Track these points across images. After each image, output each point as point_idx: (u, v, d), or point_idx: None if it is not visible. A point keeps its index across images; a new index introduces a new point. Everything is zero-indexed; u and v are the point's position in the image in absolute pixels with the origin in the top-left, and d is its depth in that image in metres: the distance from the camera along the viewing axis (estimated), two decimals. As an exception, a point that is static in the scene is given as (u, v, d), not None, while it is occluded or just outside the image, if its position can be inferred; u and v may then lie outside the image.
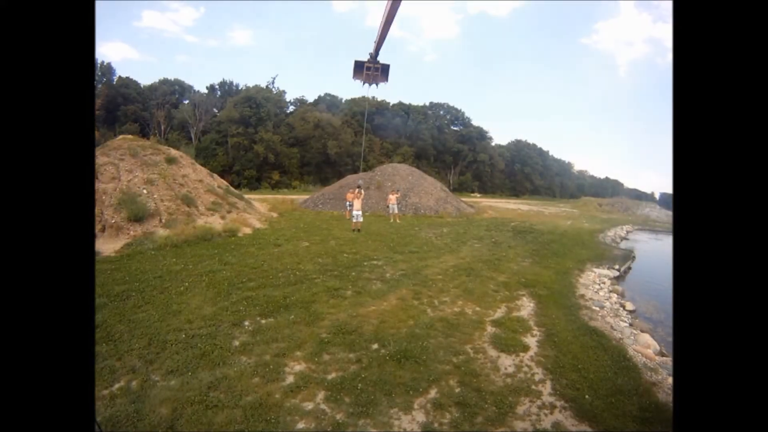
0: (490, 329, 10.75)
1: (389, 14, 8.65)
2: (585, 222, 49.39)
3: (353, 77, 11.19)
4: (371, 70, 11.07)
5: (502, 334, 10.45)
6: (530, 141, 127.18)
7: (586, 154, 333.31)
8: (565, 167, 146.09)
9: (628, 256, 28.18)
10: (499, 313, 12.17)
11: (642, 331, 13.82)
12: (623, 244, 38.29)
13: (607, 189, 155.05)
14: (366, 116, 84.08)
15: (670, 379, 10.05)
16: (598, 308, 14.61)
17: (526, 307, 13.06)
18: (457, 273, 16.24)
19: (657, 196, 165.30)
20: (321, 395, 6.98)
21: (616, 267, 23.54)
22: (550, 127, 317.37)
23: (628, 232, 50.05)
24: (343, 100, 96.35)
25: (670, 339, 14.53)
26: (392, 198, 30.28)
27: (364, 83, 11.39)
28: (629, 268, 25.94)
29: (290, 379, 7.33)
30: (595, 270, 21.43)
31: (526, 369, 8.85)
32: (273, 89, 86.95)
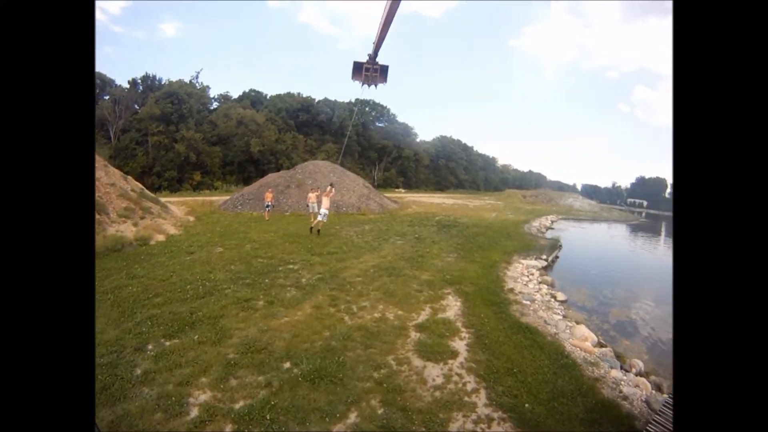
0: (414, 335, 9.88)
1: (388, 15, 8.43)
2: (510, 213, 49.53)
3: (352, 78, 11.06)
4: (370, 71, 10.91)
5: (427, 339, 9.65)
6: (455, 137, 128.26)
7: (511, 149, 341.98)
8: (489, 162, 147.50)
9: (555, 245, 28.15)
10: (424, 315, 11.32)
11: (577, 323, 13.38)
12: (549, 234, 38.40)
13: (531, 181, 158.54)
14: (291, 113, 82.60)
15: (613, 372, 9.87)
16: (528, 302, 14.05)
17: (453, 307, 12.24)
18: (377, 273, 15.24)
19: (579, 187, 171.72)
20: (228, 429, 6.21)
21: (544, 257, 23.29)
22: (476, 124, 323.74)
23: (553, 221, 50.79)
24: (267, 96, 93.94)
25: (606, 327, 14.72)
26: (312, 196, 29.03)
27: (362, 84, 11.17)
28: (557, 257, 25.90)
29: (194, 413, 6.51)
30: (523, 261, 20.92)
31: (456, 378, 8.11)
32: (197, 84, 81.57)
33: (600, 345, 12.29)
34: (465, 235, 26.59)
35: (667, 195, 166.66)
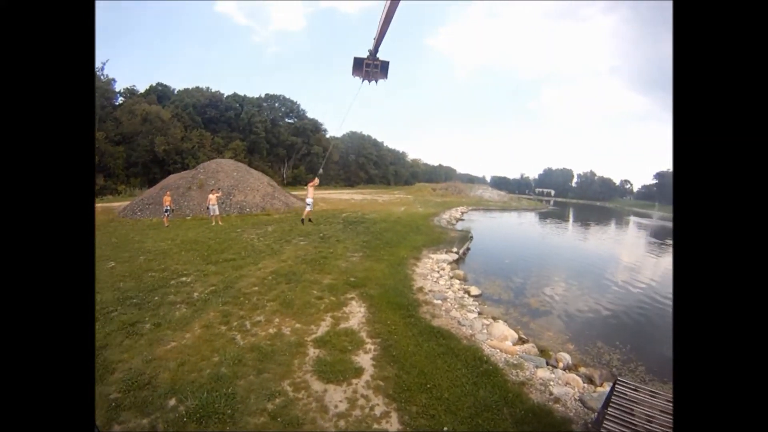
0: (312, 352, 8.88)
1: (389, 10, 8.01)
2: (419, 207, 49.43)
3: (353, 74, 10.73)
4: (371, 67, 10.53)
5: (327, 356, 8.67)
6: (366, 133, 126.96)
7: (422, 144, 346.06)
8: (399, 156, 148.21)
9: (466, 236, 27.92)
10: (324, 327, 10.30)
11: (494, 319, 12.82)
12: (460, 225, 38.40)
13: (441, 175, 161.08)
14: (198, 108, 77.94)
15: (540, 372, 9.37)
16: (440, 301, 13.26)
17: (356, 314, 11.26)
18: (276, 281, 14.05)
19: (489, 179, 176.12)
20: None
21: (455, 250, 22.77)
22: (389, 119, 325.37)
23: (463, 213, 51.33)
24: (175, 91, 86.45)
25: (525, 320, 14.38)
26: (212, 198, 27.50)
27: (363, 80, 10.82)
28: (468, 249, 25.63)
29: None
30: (433, 256, 20.31)
31: (362, 402, 7.25)
32: (101, 77, 75.04)
33: (521, 341, 11.69)
34: (372, 232, 25.81)
35: (573, 184, 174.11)
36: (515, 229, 46.64)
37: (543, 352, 11.17)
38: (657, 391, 6.85)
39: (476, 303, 14.31)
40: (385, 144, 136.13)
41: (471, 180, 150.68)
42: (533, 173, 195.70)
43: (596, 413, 7.74)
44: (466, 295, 15.02)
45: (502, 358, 9.55)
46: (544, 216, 71.25)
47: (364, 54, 9.95)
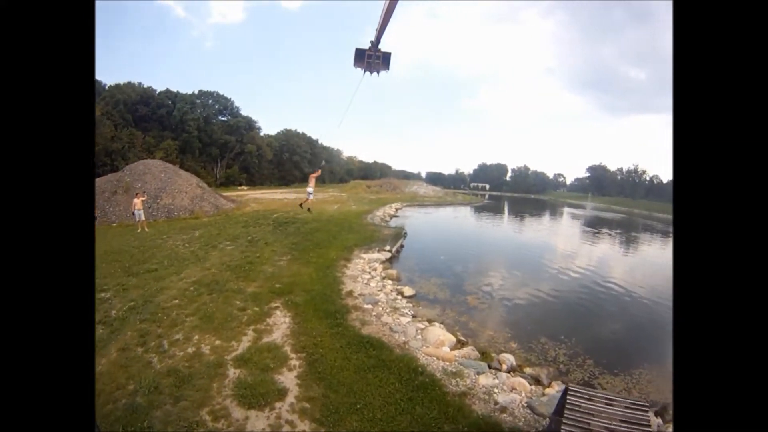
0: (233, 373, 8.16)
1: (391, 1, 7.93)
2: (353, 204, 48.49)
3: (354, 65, 10.58)
4: (372, 58, 10.42)
5: (248, 377, 7.97)
6: (300, 130, 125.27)
7: (357, 141, 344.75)
8: (333, 154, 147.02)
9: (400, 233, 27.39)
10: (245, 343, 9.55)
11: (430, 322, 12.17)
12: (394, 222, 37.92)
13: (376, 172, 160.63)
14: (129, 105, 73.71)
15: (482, 379, 8.84)
16: (370, 305, 12.52)
17: (280, 326, 10.54)
18: (197, 292, 13.19)
19: (424, 175, 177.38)
20: None
21: (387, 248, 22.21)
22: (322, 117, 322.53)
23: (397, 209, 51.03)
24: (106, 86, 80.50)
25: (463, 319, 13.85)
26: (137, 202, 26.38)
27: (365, 72, 10.68)
28: (402, 246, 25.16)
29: None
30: (364, 256, 19.53)
31: (286, 428, 6.69)
32: None
33: (460, 344, 11.17)
34: (302, 232, 24.90)
35: (508, 178, 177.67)
36: (451, 224, 46.58)
37: (484, 354, 10.63)
38: (612, 396, 6.59)
39: (410, 305, 13.72)
40: (320, 142, 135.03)
41: (407, 176, 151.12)
42: (468, 168, 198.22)
43: (547, 419, 7.40)
44: (399, 297, 14.35)
45: (439, 366, 8.99)
46: (479, 209, 71.52)
47: (365, 47, 9.84)
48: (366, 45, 9.74)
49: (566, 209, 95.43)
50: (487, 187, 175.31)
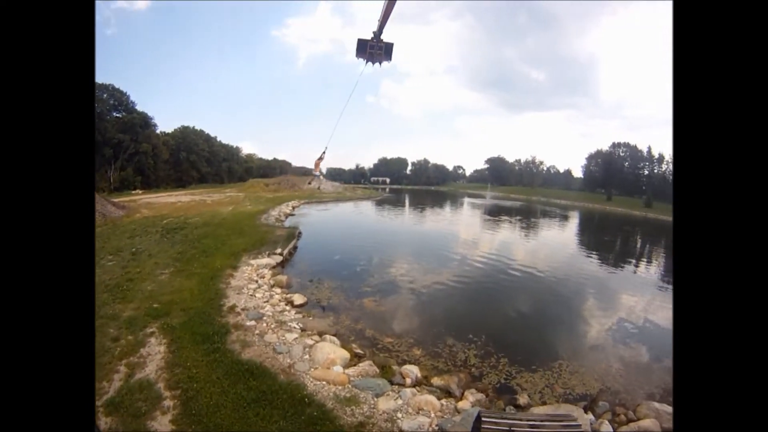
0: (103, 424, 6.91)
1: None
2: (249, 205, 46.53)
3: (356, 56, 10.39)
4: (375, 49, 10.28)
5: (120, 425, 6.87)
6: (198, 127, 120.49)
7: (256, 138, 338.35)
8: (232, 152, 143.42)
9: (293, 234, 26.19)
10: (117, 382, 8.16)
11: (320, 336, 10.88)
12: (289, 221, 36.70)
13: (276, 169, 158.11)
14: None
15: (382, 402, 7.88)
16: (254, 322, 11.32)
17: (154, 357, 9.14)
18: (66, 323, 11.36)
19: (324, 170, 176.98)
20: None
21: (279, 251, 20.73)
22: (221, 112, 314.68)
23: (294, 207, 49.87)
24: None
25: (359, 327, 12.47)
26: None
27: (366, 62, 10.48)
28: (295, 247, 23.79)
29: None
30: (253, 262, 18.16)
31: None
32: None
33: (357, 357, 10.04)
34: (190, 239, 23.35)
35: (408, 172, 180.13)
36: (349, 219, 45.61)
37: (384, 368, 9.38)
38: (530, 418, 5.95)
39: (299, 316, 12.43)
40: (218, 139, 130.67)
41: (306, 173, 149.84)
42: (369, 163, 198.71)
43: None
44: (288, 308, 13.04)
45: (330, 392, 7.91)
46: (380, 203, 70.99)
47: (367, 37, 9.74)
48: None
49: (466, 199, 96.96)
50: (388, 180, 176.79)
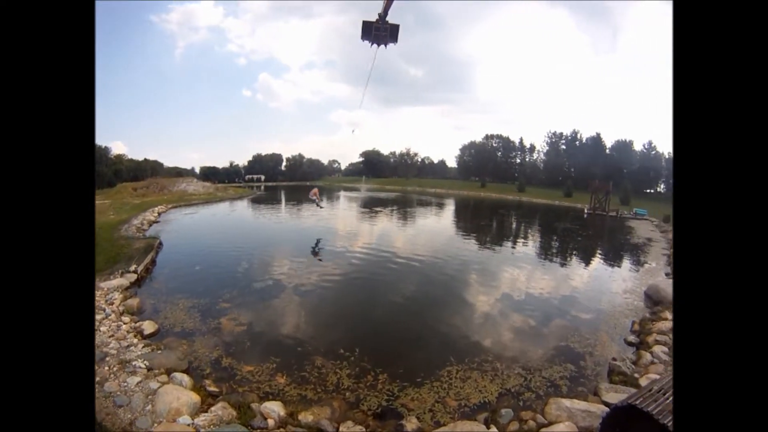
0: None
1: None
2: (112, 214, 43.49)
3: (362, 38, 10.52)
4: (380, 31, 10.41)
5: None
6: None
7: (126, 137, 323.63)
8: (101, 153, 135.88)
9: (152, 245, 23.15)
10: None
11: (169, 375, 8.97)
12: (152, 230, 33.68)
13: (147, 170, 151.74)
14: None
15: None
16: (95, 366, 8.83)
17: None
18: None
19: (198, 170, 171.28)
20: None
21: (133, 268, 17.99)
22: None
23: (160, 213, 46.43)
24: None
25: (215, 355, 10.52)
26: None
27: (372, 44, 10.63)
28: (153, 261, 20.85)
29: None
30: (103, 285, 15.20)
31: None
32: None
33: (211, 397, 8.37)
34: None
35: (283, 168, 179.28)
36: (218, 222, 42.84)
37: (241, 409, 7.87)
38: None
39: (148, 350, 10.22)
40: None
41: (180, 173, 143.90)
42: (244, 160, 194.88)
43: None
44: (136, 340, 10.84)
45: None
46: (255, 201, 68.80)
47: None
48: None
49: (342, 193, 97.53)
50: (263, 178, 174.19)
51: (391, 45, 10.99)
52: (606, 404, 8.42)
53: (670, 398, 5.58)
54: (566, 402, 8.38)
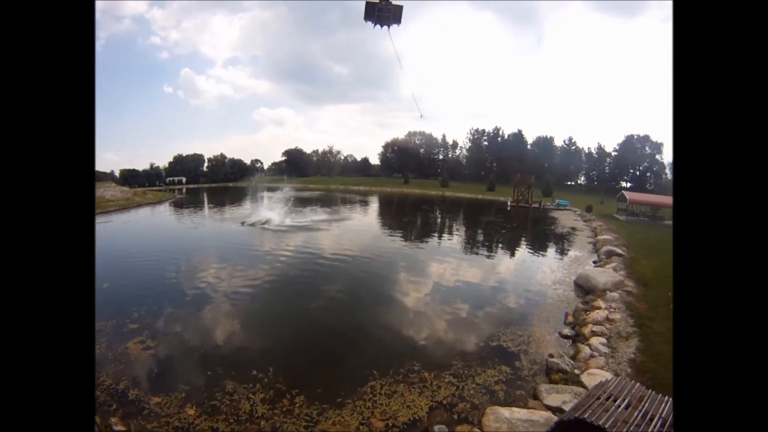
0: None
1: None
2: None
3: (365, 19, 10.27)
4: (383, 11, 10.16)
5: None
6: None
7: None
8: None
9: None
10: None
11: None
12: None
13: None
14: None
15: None
16: None
17: None
18: None
19: (117, 173, 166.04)
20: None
21: None
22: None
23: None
24: None
25: (121, 388, 9.38)
26: None
27: (375, 25, 10.31)
28: None
29: None
30: None
31: None
32: None
33: None
34: None
35: (205, 169, 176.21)
36: (133, 230, 40.44)
37: None
38: None
39: None
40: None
41: (98, 178, 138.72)
42: (164, 161, 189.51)
43: None
44: None
45: None
46: (175, 205, 68.05)
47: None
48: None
49: (265, 193, 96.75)
50: (184, 180, 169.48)
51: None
52: (548, 408, 7.94)
53: (622, 406, 5.11)
54: (505, 412, 7.84)
